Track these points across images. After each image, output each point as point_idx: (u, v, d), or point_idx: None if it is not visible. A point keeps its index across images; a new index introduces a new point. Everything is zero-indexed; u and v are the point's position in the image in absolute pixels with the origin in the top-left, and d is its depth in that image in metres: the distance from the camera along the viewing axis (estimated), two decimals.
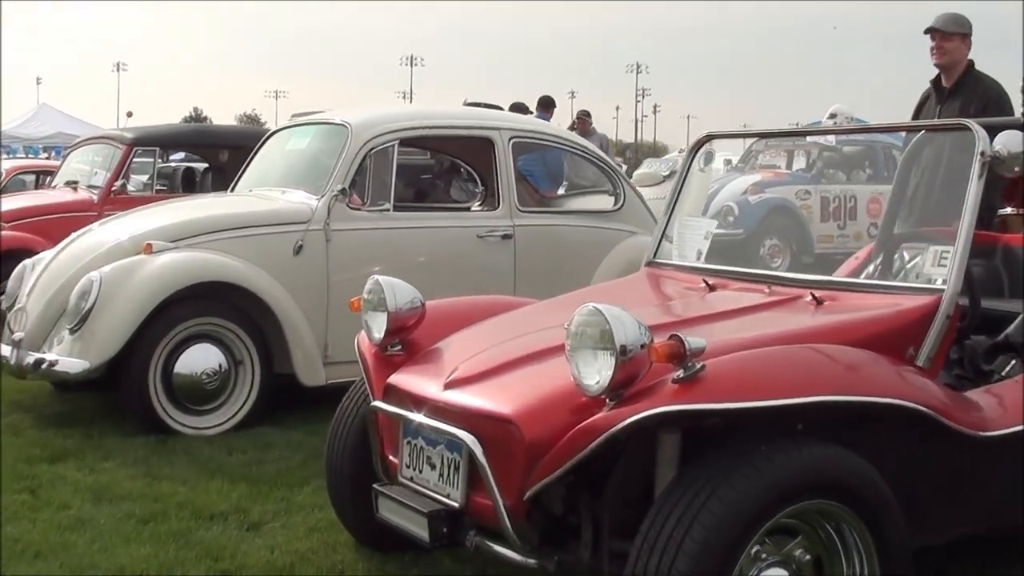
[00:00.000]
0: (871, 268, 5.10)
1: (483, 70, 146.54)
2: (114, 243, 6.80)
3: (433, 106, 8.03)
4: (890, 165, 15.99)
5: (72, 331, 6.33)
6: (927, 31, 6.84)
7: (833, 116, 16.95)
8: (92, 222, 9.81)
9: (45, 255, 7.32)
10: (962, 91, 6.75)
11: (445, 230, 7.39)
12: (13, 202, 10.75)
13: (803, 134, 8.45)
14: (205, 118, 77.18)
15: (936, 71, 6.91)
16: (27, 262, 7.43)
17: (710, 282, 4.47)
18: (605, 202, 8.25)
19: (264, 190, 7.50)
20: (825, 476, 3.22)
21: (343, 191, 6.85)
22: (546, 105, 14.05)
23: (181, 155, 14.23)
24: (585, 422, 3.19)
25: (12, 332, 6.66)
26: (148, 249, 6.55)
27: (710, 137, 5.09)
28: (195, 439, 6.25)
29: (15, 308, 6.93)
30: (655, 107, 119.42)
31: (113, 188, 10.15)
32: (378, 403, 3.92)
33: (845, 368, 3.44)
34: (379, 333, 4.17)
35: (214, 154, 11.14)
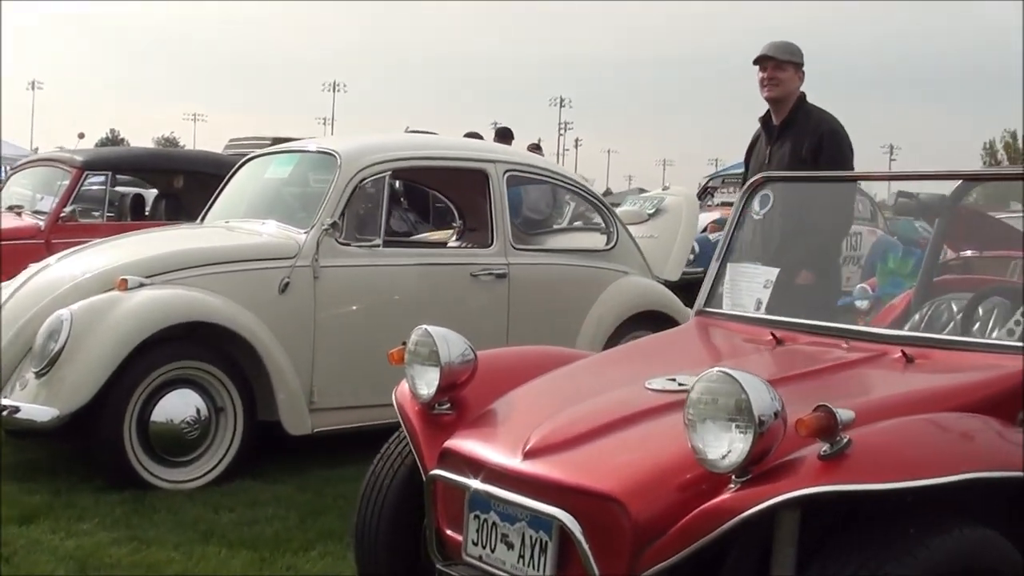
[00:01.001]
0: (920, 318, 4.78)
1: (407, 99, 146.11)
2: (83, 277, 6.23)
3: (425, 136, 7.58)
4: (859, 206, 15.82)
5: (39, 375, 5.75)
6: (756, 61, 6.06)
7: None
8: (39, 250, 9.30)
9: (6, 286, 6.72)
10: (793, 128, 6.03)
11: (438, 268, 6.95)
12: None
13: (866, 178, 8.16)
14: (122, 140, 75.67)
15: (764, 109, 6.21)
16: None
17: (778, 335, 4.08)
18: (597, 240, 7.89)
19: (240, 222, 7.00)
20: (979, 562, 2.83)
21: (334, 225, 6.38)
22: (504, 135, 13.68)
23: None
24: (712, 503, 2.78)
25: None
26: (122, 285, 5.99)
27: (766, 179, 4.70)
28: (175, 495, 5.71)
29: None
30: (576, 141, 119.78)
31: (62, 215, 9.50)
32: (439, 472, 3.45)
33: (992, 439, 3.06)
34: (428, 390, 3.71)
35: (168, 180, 10.54)
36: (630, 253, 7.89)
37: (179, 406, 5.93)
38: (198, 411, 5.96)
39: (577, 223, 8.54)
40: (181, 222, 9.76)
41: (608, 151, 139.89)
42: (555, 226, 8.75)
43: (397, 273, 6.74)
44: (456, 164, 7.30)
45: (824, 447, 2.72)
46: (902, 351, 3.71)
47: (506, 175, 7.23)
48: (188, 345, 6.04)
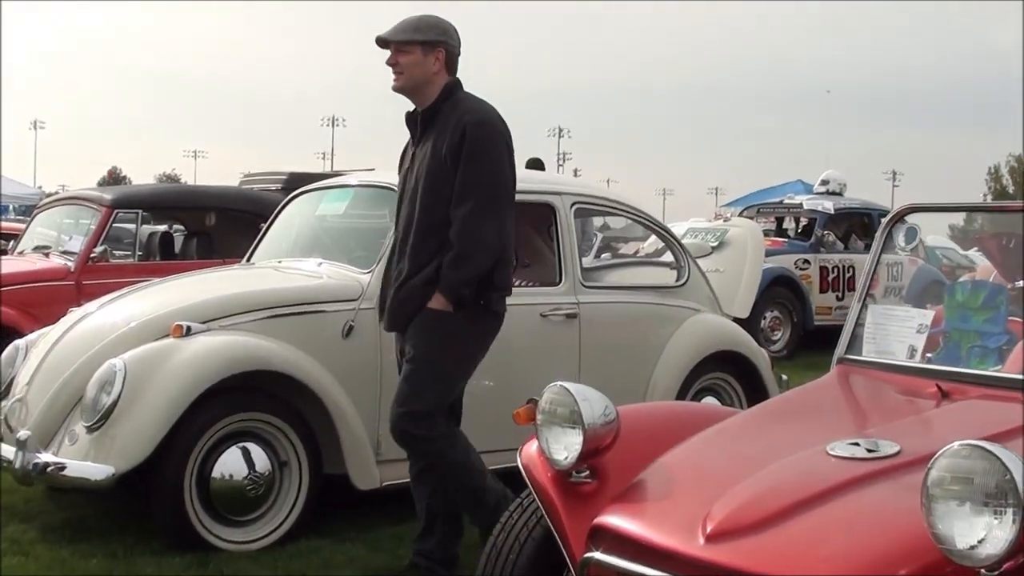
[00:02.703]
0: None
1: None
2: (133, 324, 5.78)
3: None
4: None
5: (91, 429, 5.31)
6: (378, 42, 4.94)
7: (826, 183, 16.34)
8: (69, 293, 8.90)
9: (44, 334, 6.30)
10: (436, 124, 4.88)
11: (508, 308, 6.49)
12: None
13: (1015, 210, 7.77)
14: (124, 177, 75.15)
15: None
16: (19, 343, 6.43)
17: (943, 387, 3.65)
18: (667, 276, 7.46)
19: (293, 261, 6.57)
20: None
21: None
22: (535, 166, 13.28)
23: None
24: None
25: (12, 429, 5.64)
26: (177, 331, 5.56)
27: (912, 209, 4.28)
28: (239, 557, 5.27)
29: (12, 399, 5.92)
30: (575, 171, 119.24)
31: (92, 255, 9.08)
32: (597, 555, 3.00)
33: None
34: (568, 456, 3.28)
35: (199, 218, 10.12)
36: (701, 289, 7.47)
37: (241, 461, 5.49)
38: (262, 466, 5.52)
39: (638, 255, 8.11)
40: (214, 261, 9.38)
41: (608, 180, 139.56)
42: (621, 259, 8.34)
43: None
44: (523, 198, 6.85)
45: None
46: None
47: (573, 208, 6.82)
48: (249, 395, 5.60)
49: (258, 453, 5.53)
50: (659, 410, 3.93)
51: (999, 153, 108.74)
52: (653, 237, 8.20)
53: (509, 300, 6.56)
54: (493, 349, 6.23)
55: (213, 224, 9.95)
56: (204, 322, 5.67)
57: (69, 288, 8.93)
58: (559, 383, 3.40)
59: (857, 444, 3.05)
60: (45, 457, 5.35)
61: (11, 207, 31.11)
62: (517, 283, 7.74)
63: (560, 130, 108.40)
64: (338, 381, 5.78)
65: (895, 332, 4.01)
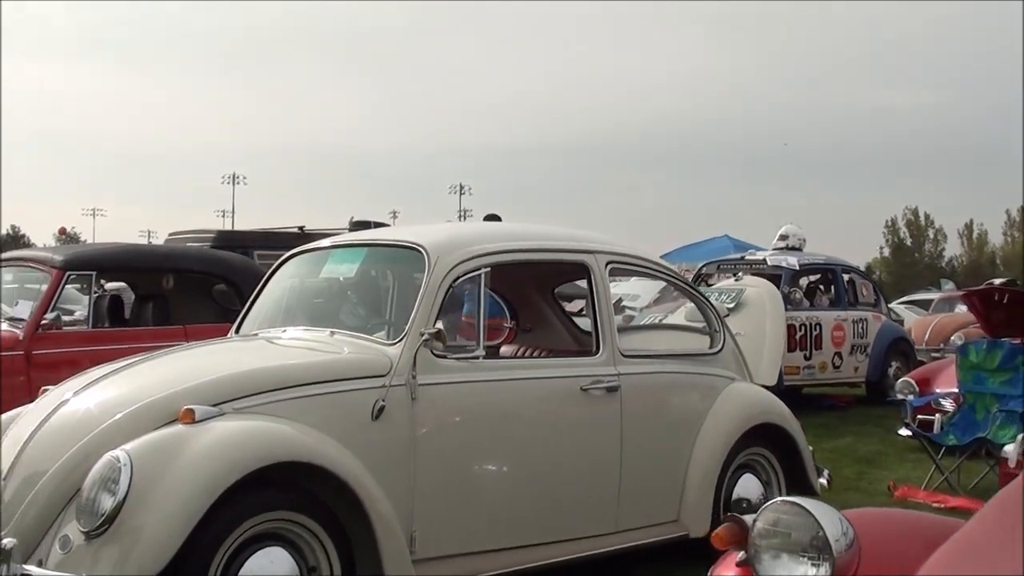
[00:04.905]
0: None
1: (305, 189, 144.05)
2: (131, 407, 4.94)
3: (515, 225, 6.49)
4: (850, 289, 15.05)
5: (90, 536, 4.46)
6: None
7: (785, 237, 15.85)
8: (18, 364, 8.02)
9: (14, 418, 5.43)
10: None
11: (545, 382, 5.82)
12: None
13: None
14: (23, 235, 72.96)
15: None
16: None
17: None
18: (701, 342, 6.86)
19: (300, 330, 5.82)
20: None
21: (438, 334, 5.23)
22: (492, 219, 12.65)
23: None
24: None
25: None
26: (187, 416, 4.76)
27: None
28: None
29: None
30: None
31: (43, 322, 8.18)
32: None
33: None
34: None
35: (156, 279, 9.25)
36: (734, 356, 6.89)
37: (266, 570, 4.69)
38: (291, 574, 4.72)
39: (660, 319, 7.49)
40: (174, 329, 8.59)
41: None
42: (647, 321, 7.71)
43: (501, 390, 5.61)
44: (555, 257, 6.21)
45: None
46: None
47: (608, 267, 6.19)
48: (278, 491, 4.81)
49: (286, 559, 4.75)
50: (895, 520, 3.23)
51: (895, 206, 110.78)
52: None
53: (547, 372, 5.94)
54: (532, 430, 5.64)
55: (171, 286, 9.11)
56: (215, 404, 4.88)
57: (18, 358, 8.02)
58: (785, 499, 2.70)
59: None
60: (34, 571, 4.50)
61: None
62: (518, 350, 7.09)
63: (461, 187, 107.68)
64: (369, 470, 5.03)
65: None
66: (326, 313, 6.00)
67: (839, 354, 14.41)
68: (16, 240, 59.76)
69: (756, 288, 7.94)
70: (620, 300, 13.47)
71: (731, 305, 7.80)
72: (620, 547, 6.05)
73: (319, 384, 5.10)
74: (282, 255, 6.54)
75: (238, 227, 25.96)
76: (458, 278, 5.52)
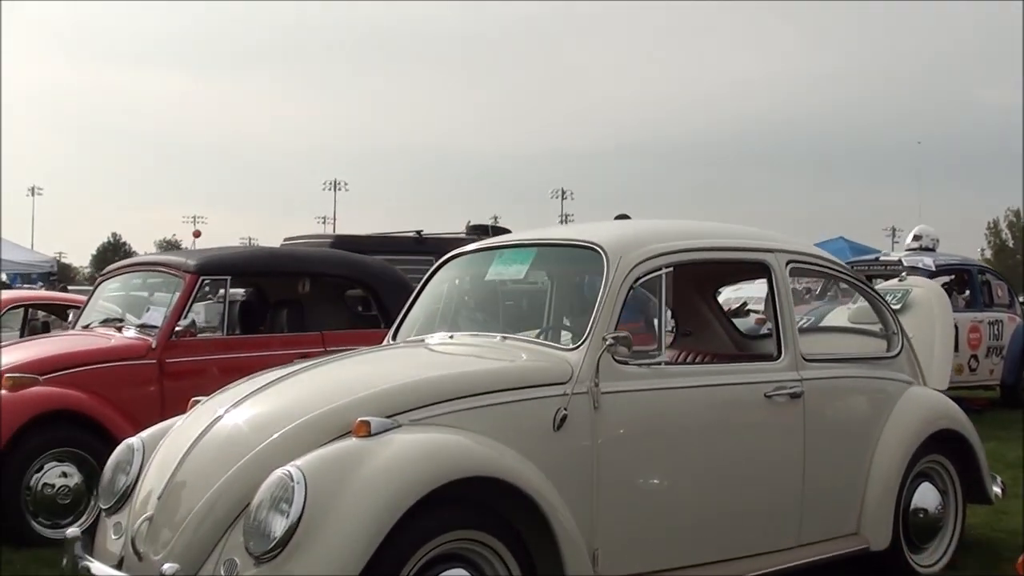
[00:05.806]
0: None
1: (407, 195, 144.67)
2: (297, 421, 4.60)
3: (688, 223, 6.11)
4: (985, 290, 14.44)
5: (260, 560, 4.13)
6: None
7: (919, 238, 15.26)
8: (150, 372, 7.79)
9: (166, 432, 5.11)
10: None
11: (728, 388, 5.45)
12: (33, 348, 8.16)
13: None
14: (125, 244, 74.00)
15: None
16: (133, 443, 5.14)
17: None
18: (877, 345, 6.46)
19: (468, 336, 5.49)
20: None
21: (624, 339, 4.86)
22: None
23: None
24: None
25: (142, 556, 4.47)
26: (362, 429, 4.41)
27: None
28: None
29: (139, 518, 4.69)
30: None
31: (176, 329, 7.92)
32: None
33: None
34: None
35: (292, 285, 8.97)
36: (909, 359, 6.51)
37: None
38: None
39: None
40: (311, 336, 8.32)
41: None
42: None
43: (686, 397, 5.25)
44: (737, 256, 5.84)
45: None
46: None
47: (788, 267, 5.81)
48: (454, 507, 4.45)
49: None
50: None
51: (998, 208, 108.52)
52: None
53: (730, 379, 5.57)
54: (716, 438, 5.30)
55: (307, 291, 8.83)
56: (390, 416, 4.54)
57: (150, 367, 7.78)
58: None
59: None
60: None
61: (18, 276, 29.80)
62: (678, 356, 6.69)
63: (563, 192, 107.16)
64: (552, 484, 4.68)
65: None
66: (494, 317, 5.69)
67: (975, 356, 13.84)
68: (117, 248, 60.47)
69: (922, 288, 7.52)
70: (745, 304, 13.02)
71: (897, 306, 7.36)
72: (802, 562, 5.66)
73: (497, 393, 4.76)
74: (398, 260, 6.26)
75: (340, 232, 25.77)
76: (639, 279, 5.18)
